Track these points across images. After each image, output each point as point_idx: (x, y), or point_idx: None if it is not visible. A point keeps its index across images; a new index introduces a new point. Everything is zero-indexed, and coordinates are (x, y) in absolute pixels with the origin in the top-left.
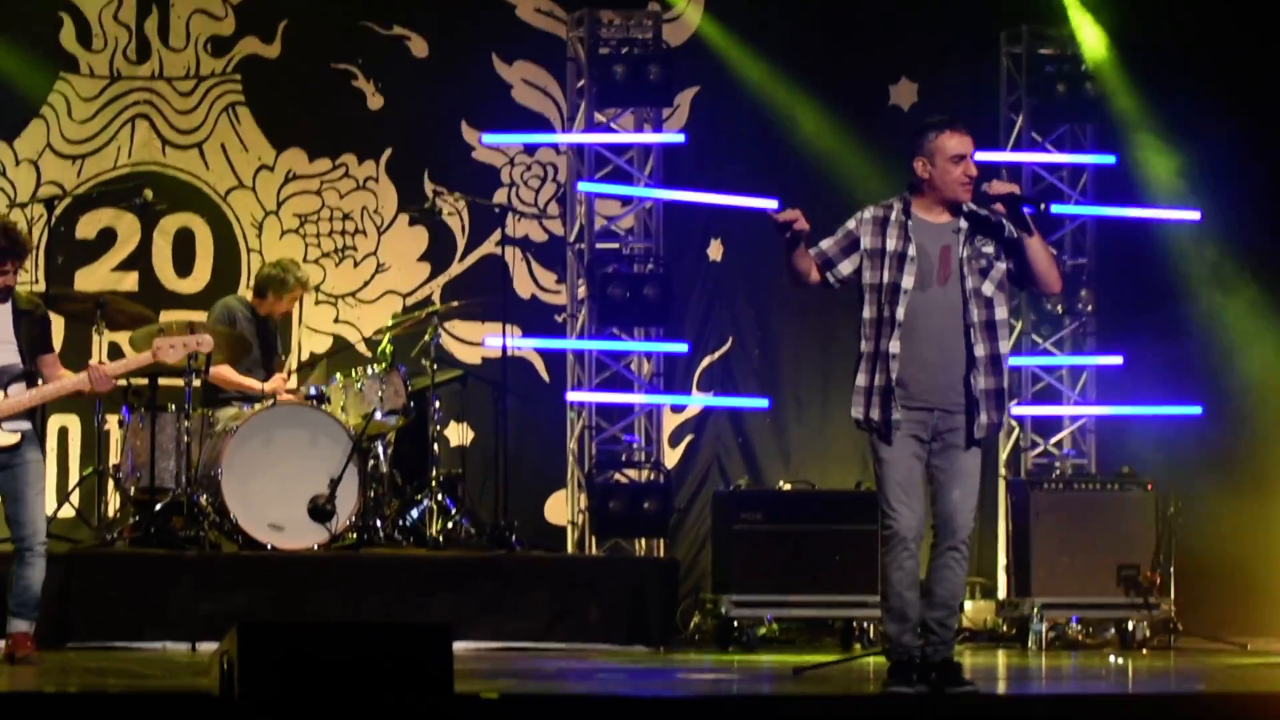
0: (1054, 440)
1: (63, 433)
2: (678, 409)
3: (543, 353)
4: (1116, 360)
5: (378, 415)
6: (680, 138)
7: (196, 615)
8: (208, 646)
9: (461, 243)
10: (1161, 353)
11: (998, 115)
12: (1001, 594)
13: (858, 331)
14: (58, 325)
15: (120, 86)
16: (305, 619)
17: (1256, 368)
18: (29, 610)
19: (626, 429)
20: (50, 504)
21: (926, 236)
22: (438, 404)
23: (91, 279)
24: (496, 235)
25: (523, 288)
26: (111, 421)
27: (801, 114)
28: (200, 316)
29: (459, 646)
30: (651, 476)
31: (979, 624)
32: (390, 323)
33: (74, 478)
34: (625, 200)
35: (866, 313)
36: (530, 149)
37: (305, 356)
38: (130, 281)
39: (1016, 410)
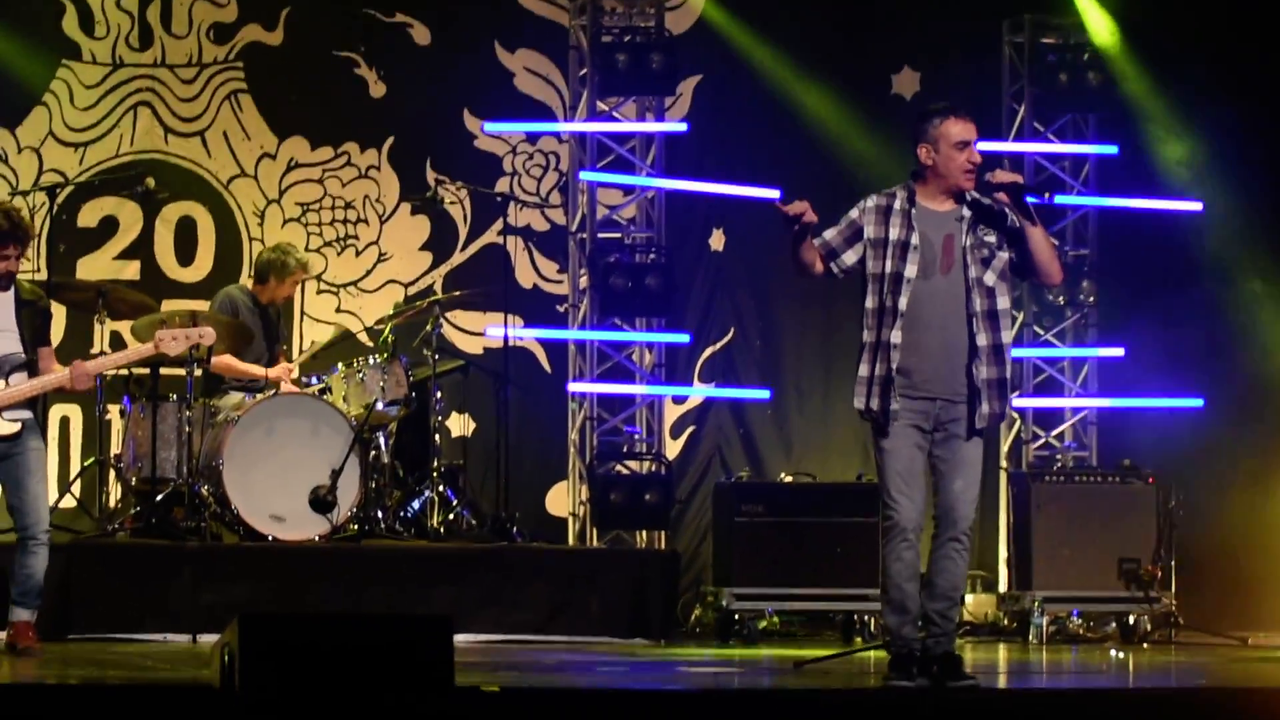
0: (1055, 432)
1: (64, 423)
2: (679, 400)
3: (544, 343)
4: (1118, 352)
5: (379, 406)
6: (682, 127)
7: (198, 606)
8: (209, 638)
9: (463, 232)
10: (1163, 345)
11: (1000, 105)
12: (1002, 587)
13: (860, 322)
14: (59, 314)
15: (123, 74)
16: (306, 610)
17: (1259, 360)
18: (31, 599)
19: (628, 420)
20: (52, 494)
21: (929, 225)
22: (439, 394)
23: (93, 267)
24: (498, 224)
25: (524, 277)
26: (113, 411)
27: (804, 103)
28: (202, 305)
29: (460, 638)
30: (653, 468)
31: (980, 617)
32: (392, 312)
33: (75, 468)
34: (627, 189)
35: (869, 302)
36: (532, 138)
37: (307, 345)
38: (132, 270)
39: (1018, 402)
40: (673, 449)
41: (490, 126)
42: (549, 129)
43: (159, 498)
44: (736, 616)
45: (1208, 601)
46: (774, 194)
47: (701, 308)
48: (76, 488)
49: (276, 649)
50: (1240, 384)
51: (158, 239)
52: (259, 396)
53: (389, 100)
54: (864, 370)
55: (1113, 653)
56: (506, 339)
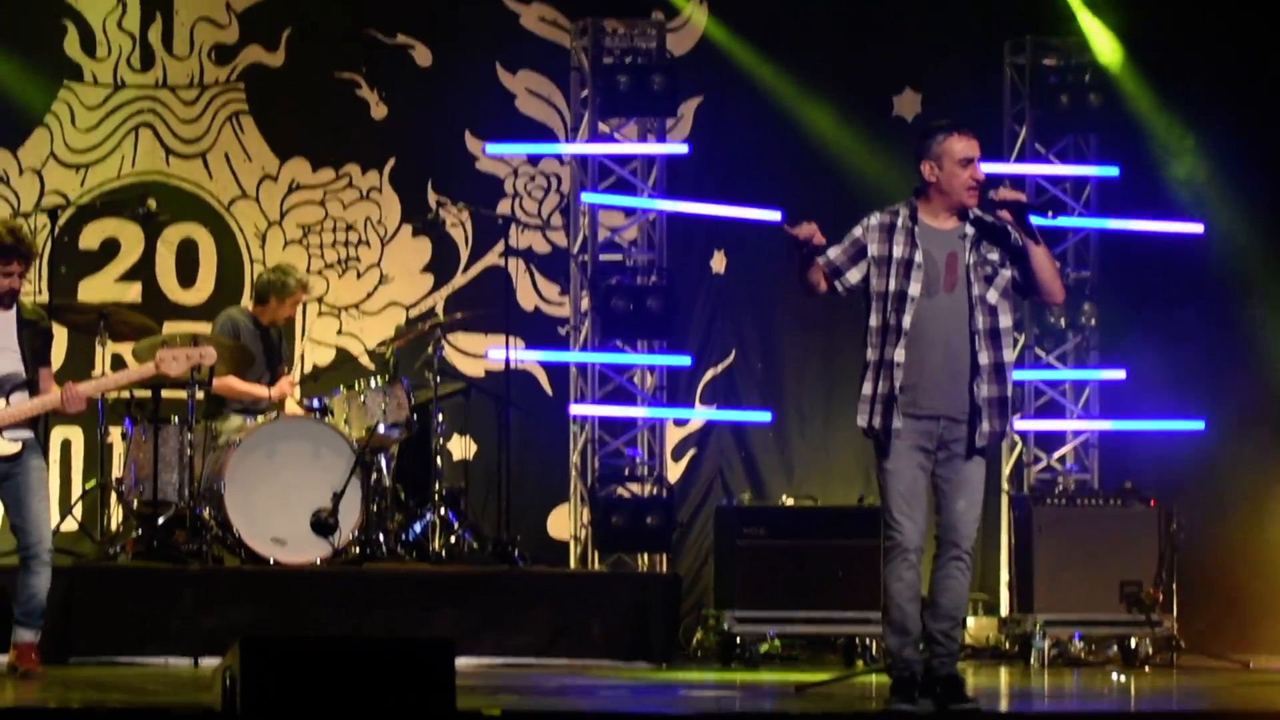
0: (1057, 455)
1: (65, 445)
2: (680, 422)
3: (546, 365)
4: (1119, 374)
5: (381, 428)
6: (684, 148)
7: (199, 630)
8: (210, 661)
9: (465, 254)
10: (1165, 367)
11: (1001, 126)
12: (1004, 610)
13: (863, 340)
14: (60, 336)
15: (124, 95)
16: (308, 633)
17: (1261, 382)
18: (35, 619)
19: (629, 443)
20: (53, 517)
21: (933, 242)
22: (441, 417)
23: (95, 289)
24: (500, 246)
25: (526, 299)
26: (114, 434)
27: (805, 124)
28: (203, 327)
29: (461, 662)
30: (654, 491)
31: (981, 641)
32: (393, 335)
33: (77, 491)
34: (629, 211)
35: (872, 320)
36: (534, 159)
37: (309, 369)
38: (134, 292)
39: (1019, 425)
40: (674, 472)
41: (491, 148)
42: (550, 151)
43: (160, 521)
44: (738, 640)
45: (1209, 624)
46: (775, 216)
47: (703, 330)
48: (78, 510)
49: (278, 672)
50: (1243, 406)
51: (159, 261)
52: (260, 419)
53: (390, 122)
54: (867, 388)
55: (1114, 676)
56: (508, 361)
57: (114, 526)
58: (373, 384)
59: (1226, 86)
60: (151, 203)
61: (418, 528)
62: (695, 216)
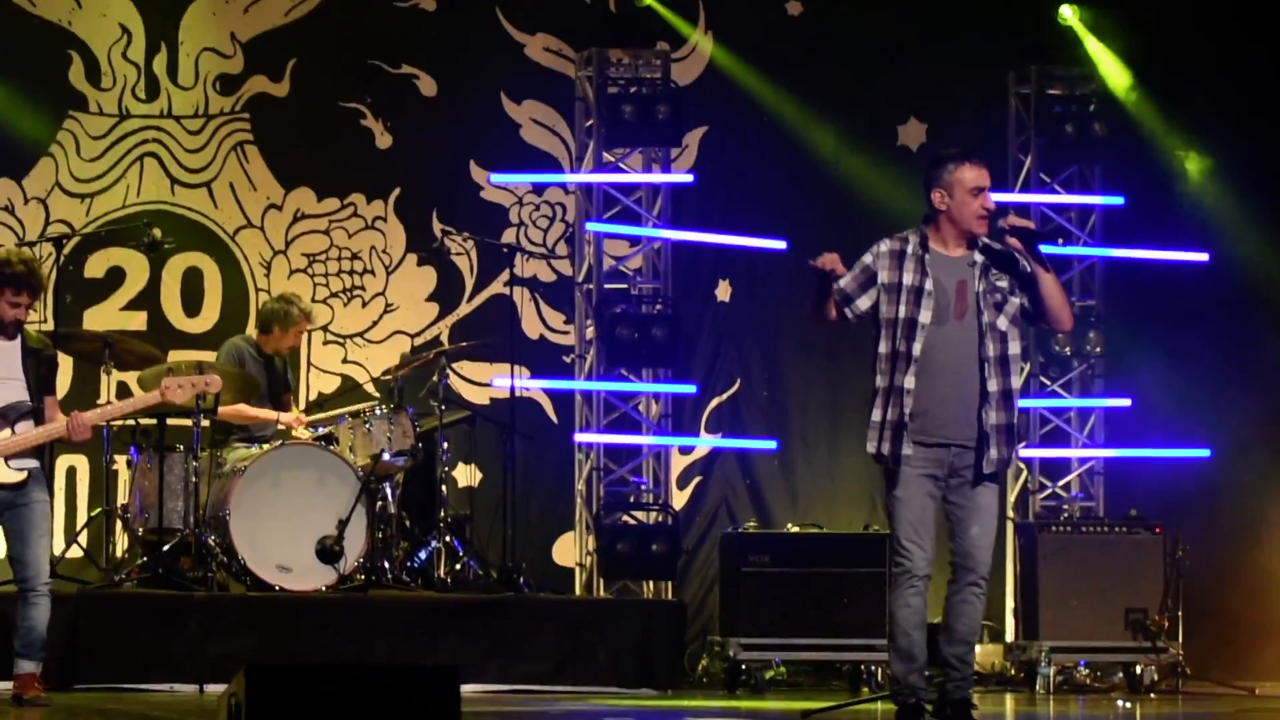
0: (1062, 483)
1: (71, 473)
2: (686, 450)
3: (551, 393)
4: (1125, 402)
5: (386, 456)
6: (689, 178)
7: (204, 656)
8: (216, 688)
9: (470, 283)
10: (1171, 395)
11: (1006, 156)
12: (1009, 637)
13: (869, 367)
14: (66, 365)
15: (129, 125)
16: (313, 661)
17: (1267, 409)
18: (35, 651)
19: (635, 470)
20: (58, 544)
21: (943, 270)
22: (446, 445)
23: (100, 318)
24: (505, 275)
25: (531, 328)
26: (120, 462)
27: (810, 155)
28: (208, 356)
29: (467, 689)
30: (659, 518)
31: (987, 667)
32: (398, 363)
33: (82, 518)
34: (633, 240)
35: (882, 347)
36: (538, 189)
37: (314, 396)
38: (139, 321)
39: (1025, 453)
40: (679, 499)
41: (496, 178)
42: (555, 180)
43: (166, 548)
44: (743, 666)
45: (1215, 652)
46: (780, 245)
47: (708, 358)
48: (83, 538)
49: (283, 700)
50: (1248, 435)
51: (164, 290)
52: (265, 447)
53: (395, 151)
54: (876, 415)
55: (1120, 703)
56: (513, 389)
57: (119, 553)
58: (378, 412)
59: (1233, 111)
60: (156, 232)
61: (423, 555)
62: (700, 245)
